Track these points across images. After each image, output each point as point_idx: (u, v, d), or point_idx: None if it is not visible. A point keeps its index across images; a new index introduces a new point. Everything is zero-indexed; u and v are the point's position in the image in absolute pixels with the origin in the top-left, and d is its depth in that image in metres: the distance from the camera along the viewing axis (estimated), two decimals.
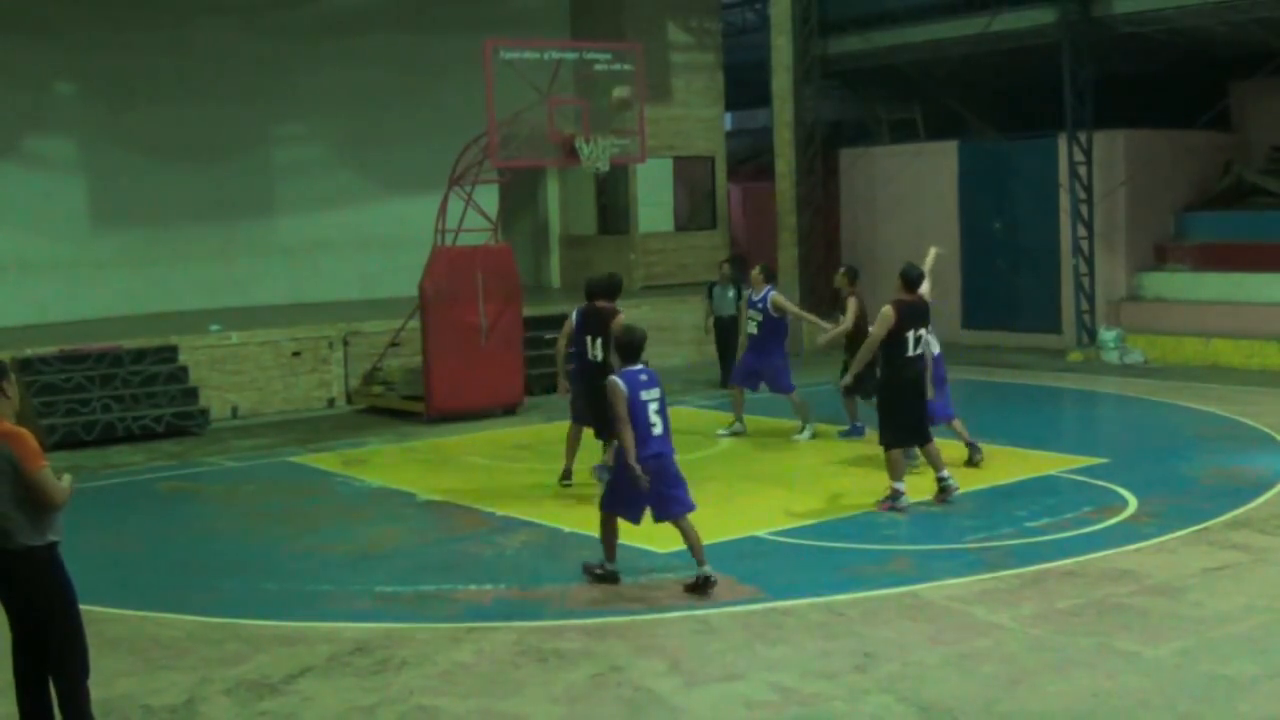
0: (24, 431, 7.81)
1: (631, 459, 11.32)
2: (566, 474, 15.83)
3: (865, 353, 14.63)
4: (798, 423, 18.81)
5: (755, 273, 19.11)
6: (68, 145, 25.88)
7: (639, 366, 11.80)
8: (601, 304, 15.42)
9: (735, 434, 19.00)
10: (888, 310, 14.18)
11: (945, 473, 14.50)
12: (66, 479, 7.99)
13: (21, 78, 24.54)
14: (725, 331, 23.19)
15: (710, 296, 23.54)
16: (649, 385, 11.65)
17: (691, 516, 11.73)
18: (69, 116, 25.84)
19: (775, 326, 18.69)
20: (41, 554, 7.85)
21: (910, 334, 14.13)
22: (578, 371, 15.85)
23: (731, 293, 23.24)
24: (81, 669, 8.06)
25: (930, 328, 15.63)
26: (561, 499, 15.24)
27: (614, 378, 11.68)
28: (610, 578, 11.90)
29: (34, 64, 24.94)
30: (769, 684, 9.32)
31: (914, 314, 14.26)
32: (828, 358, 26.83)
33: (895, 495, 14.22)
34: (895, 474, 14.25)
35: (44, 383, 19.71)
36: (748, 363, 19.00)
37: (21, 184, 24.68)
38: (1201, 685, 9.15)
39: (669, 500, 11.63)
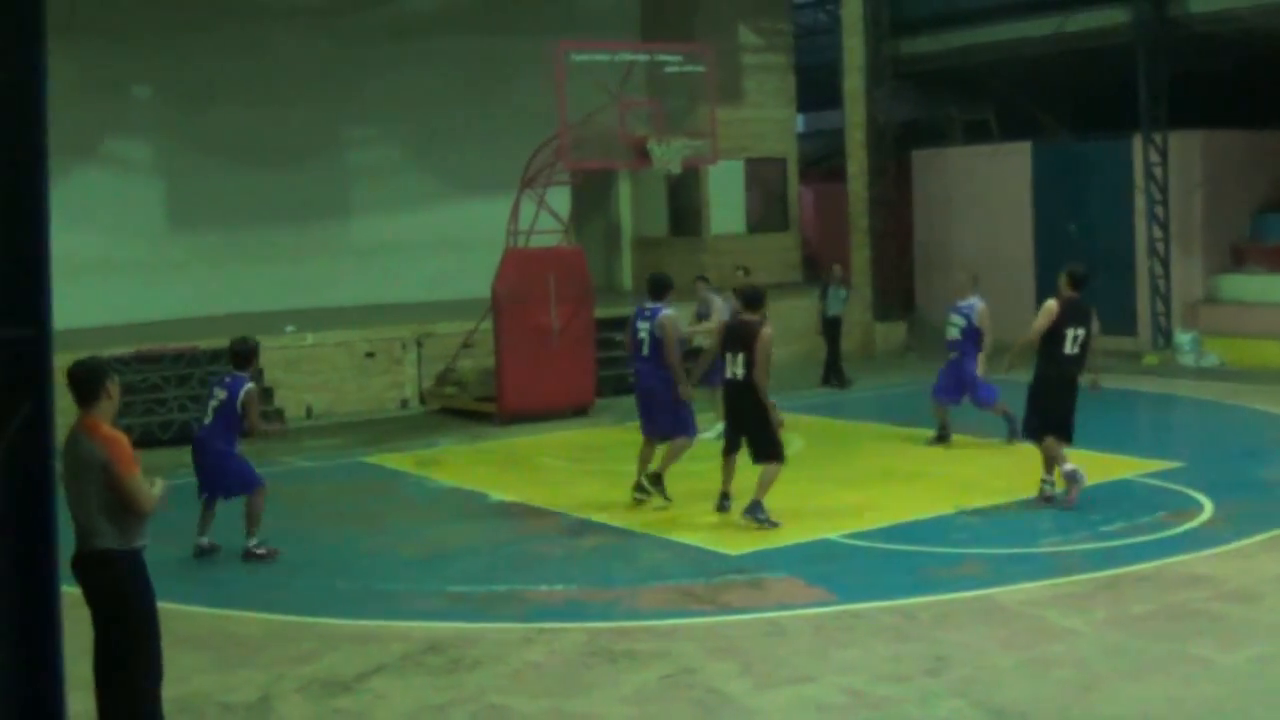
0: (121, 437, 7.83)
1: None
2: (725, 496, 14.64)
3: (1023, 345, 14.69)
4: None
5: (964, 278, 18.82)
6: (145, 148, 26.16)
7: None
8: (746, 317, 14.18)
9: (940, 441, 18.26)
10: (1051, 304, 14.19)
11: (1052, 476, 14.53)
12: (159, 485, 8.01)
13: (101, 82, 24.77)
14: (833, 330, 23.79)
15: (824, 297, 23.88)
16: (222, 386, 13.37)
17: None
18: (147, 120, 26.13)
19: (972, 337, 17.92)
20: (124, 559, 7.83)
21: (1070, 331, 14.09)
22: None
23: (844, 293, 23.83)
24: (148, 677, 8.02)
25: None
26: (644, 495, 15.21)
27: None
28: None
29: (113, 68, 25.20)
30: (840, 687, 9.30)
31: (1076, 312, 14.21)
32: (902, 360, 26.82)
33: (1074, 477, 14.21)
34: (1059, 459, 14.28)
35: (121, 382, 19.83)
36: (951, 375, 18.20)
37: (100, 186, 24.91)
38: (1278, 692, 9.07)
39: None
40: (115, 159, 25.77)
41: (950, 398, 18.16)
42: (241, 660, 10.28)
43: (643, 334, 15.03)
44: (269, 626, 11.16)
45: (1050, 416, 14.27)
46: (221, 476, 13.44)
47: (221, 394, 13.30)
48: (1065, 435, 14.35)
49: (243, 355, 13.52)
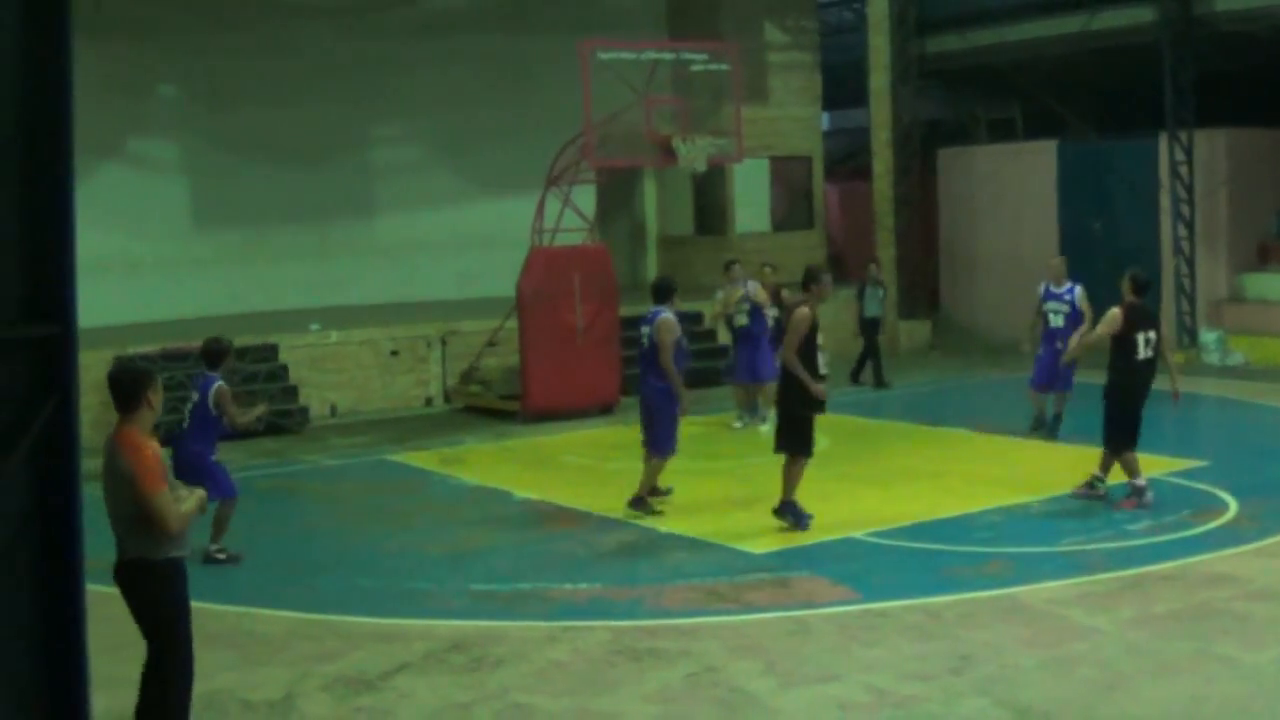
0: (149, 452, 7.62)
1: None
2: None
3: (1090, 343, 14.95)
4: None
5: (1058, 262, 18.70)
6: (169, 146, 26.22)
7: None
8: (797, 298, 14.33)
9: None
10: (1115, 312, 14.09)
11: (1105, 475, 14.53)
12: (193, 500, 7.92)
13: (125, 81, 24.84)
14: (871, 331, 23.69)
15: (861, 296, 23.80)
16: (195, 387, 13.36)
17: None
18: (171, 118, 26.18)
19: (1077, 322, 17.87)
20: (156, 569, 7.76)
21: (1141, 336, 14.03)
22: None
23: (881, 293, 23.81)
24: (179, 681, 7.98)
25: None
26: (657, 499, 15.22)
27: None
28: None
29: (137, 67, 25.26)
30: (864, 685, 9.29)
31: (1143, 316, 14.17)
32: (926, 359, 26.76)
33: (1139, 491, 14.15)
34: (1135, 472, 14.24)
35: None
36: (1048, 362, 17.97)
37: (124, 185, 24.96)
38: None
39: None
40: (140, 158, 25.84)
41: (1049, 384, 18.09)
42: (265, 658, 10.31)
43: (644, 339, 14.80)
44: (293, 624, 11.19)
45: (1132, 426, 14.22)
46: (195, 479, 13.23)
47: (195, 395, 13.29)
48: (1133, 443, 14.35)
49: (214, 355, 13.41)
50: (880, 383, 23.52)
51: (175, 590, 7.87)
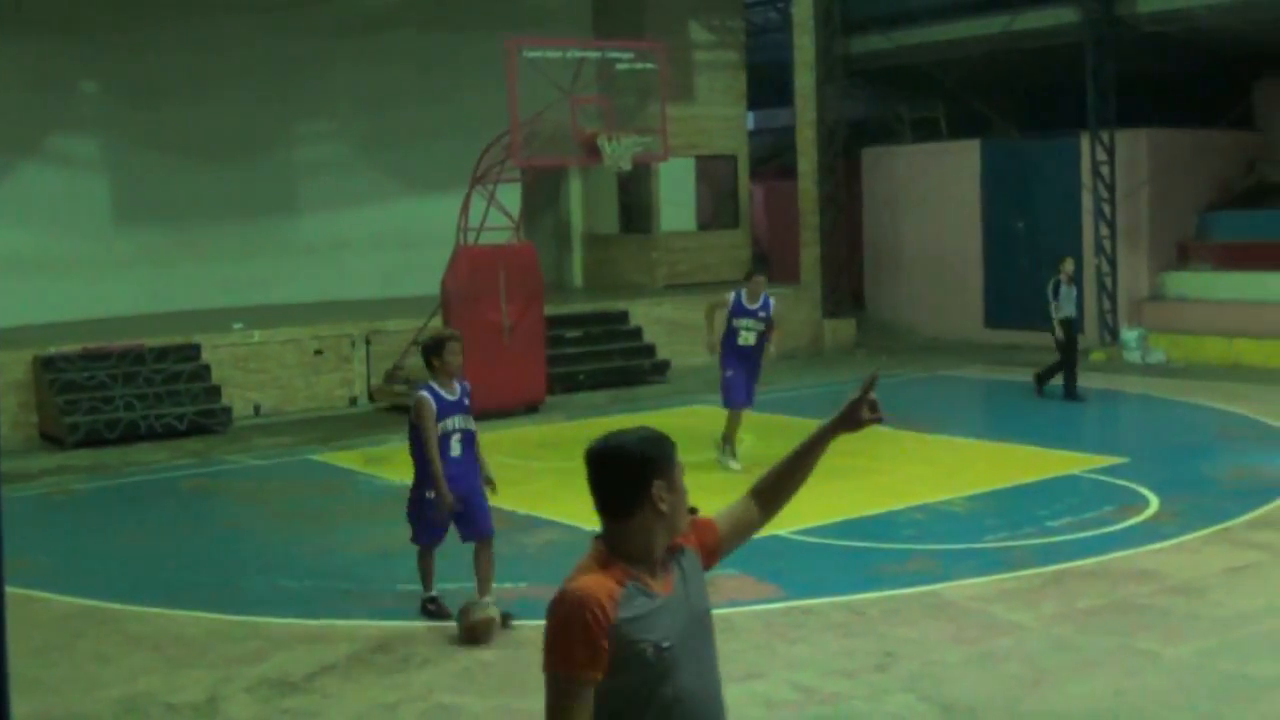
0: (565, 601, 4.66)
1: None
2: None
3: None
4: None
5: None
6: (91, 144, 25.95)
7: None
8: None
9: None
10: None
11: None
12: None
13: (46, 77, 24.60)
14: (1070, 333, 21.30)
15: (1055, 296, 21.18)
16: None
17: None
18: (92, 115, 25.92)
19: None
20: None
21: None
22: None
23: (1075, 292, 21.36)
24: None
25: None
26: (584, 498, 15.17)
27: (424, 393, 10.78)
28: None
29: (58, 63, 24.98)
30: (790, 683, 9.32)
31: None
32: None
33: None
34: None
35: (66, 381, 19.80)
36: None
37: (45, 182, 24.73)
38: (1222, 685, 9.14)
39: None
40: (61, 155, 25.57)
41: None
42: (188, 660, 10.22)
43: None
44: (215, 626, 11.09)
45: None
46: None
47: None
48: None
49: (425, 352, 11.10)
50: (1072, 394, 21.16)
51: None
